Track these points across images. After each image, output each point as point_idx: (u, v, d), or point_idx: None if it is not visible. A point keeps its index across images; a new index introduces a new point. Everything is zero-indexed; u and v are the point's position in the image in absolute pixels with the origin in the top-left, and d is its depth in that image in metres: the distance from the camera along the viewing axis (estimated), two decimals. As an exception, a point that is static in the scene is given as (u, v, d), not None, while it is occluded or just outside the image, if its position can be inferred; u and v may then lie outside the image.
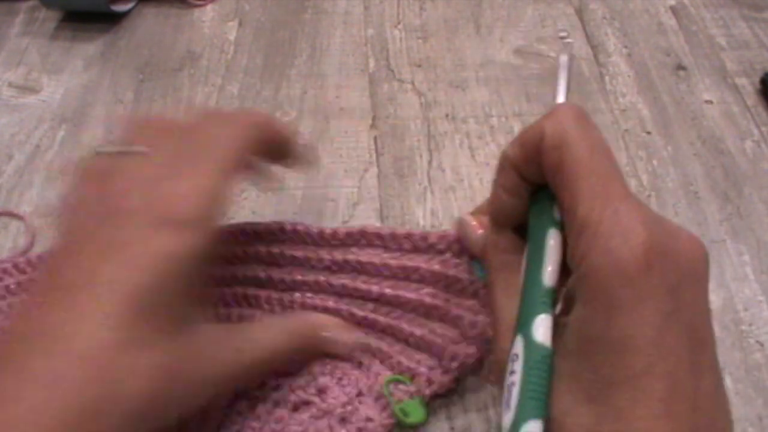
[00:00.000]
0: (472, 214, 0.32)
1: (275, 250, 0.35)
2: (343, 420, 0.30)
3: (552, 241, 0.25)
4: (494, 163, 0.46)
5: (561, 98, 0.30)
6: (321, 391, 0.31)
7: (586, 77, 0.53)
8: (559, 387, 0.22)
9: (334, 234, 0.35)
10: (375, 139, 0.48)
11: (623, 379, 0.21)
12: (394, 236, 0.34)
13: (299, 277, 0.35)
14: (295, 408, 0.31)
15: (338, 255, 0.35)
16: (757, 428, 0.35)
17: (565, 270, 0.25)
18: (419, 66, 0.53)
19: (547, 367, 0.23)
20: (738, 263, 0.41)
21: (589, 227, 0.23)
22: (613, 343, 0.21)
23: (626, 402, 0.21)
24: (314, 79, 0.52)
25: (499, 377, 0.24)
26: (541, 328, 0.23)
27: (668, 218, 0.25)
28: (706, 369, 0.22)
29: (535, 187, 0.27)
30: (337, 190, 0.44)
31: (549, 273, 0.24)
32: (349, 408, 0.31)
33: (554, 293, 0.24)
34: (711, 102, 0.51)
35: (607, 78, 0.53)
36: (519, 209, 0.27)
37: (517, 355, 0.23)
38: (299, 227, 0.35)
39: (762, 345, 0.38)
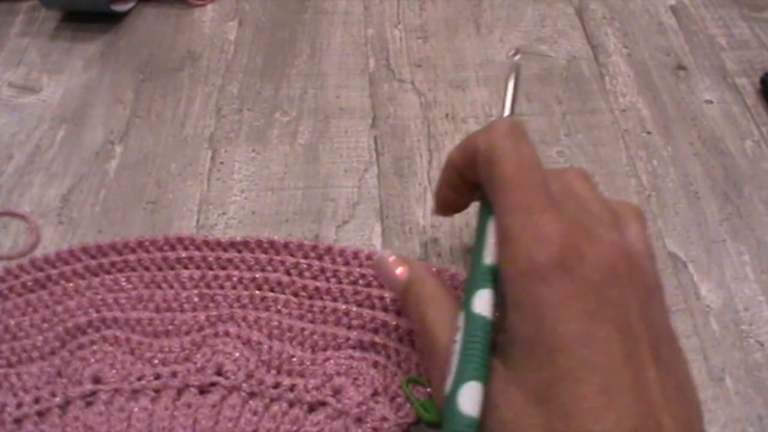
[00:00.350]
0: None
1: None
2: (359, 420, 0.30)
3: (492, 226, 0.27)
4: (494, 163, 0.47)
5: (507, 112, 0.32)
6: (336, 392, 0.32)
7: (586, 77, 0.53)
8: (508, 392, 0.23)
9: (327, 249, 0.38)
10: (375, 139, 0.48)
11: (561, 376, 0.22)
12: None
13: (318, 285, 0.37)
14: (311, 408, 0.31)
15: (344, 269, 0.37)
16: (757, 428, 0.35)
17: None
18: (419, 66, 0.53)
19: (485, 335, 0.24)
20: (738, 263, 0.41)
21: (511, 237, 0.25)
22: (545, 344, 0.23)
23: (569, 398, 0.22)
24: (314, 79, 0.52)
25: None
26: (479, 300, 0.25)
27: (597, 226, 0.26)
28: (647, 362, 0.23)
29: (474, 188, 0.30)
30: (337, 190, 0.45)
31: (488, 252, 0.26)
32: (364, 408, 0.31)
33: (494, 271, 0.26)
34: (711, 102, 0.51)
35: (607, 78, 0.53)
36: (459, 202, 0.32)
37: (458, 328, 0.25)
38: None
39: (762, 345, 0.38)
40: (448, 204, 0.32)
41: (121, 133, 0.48)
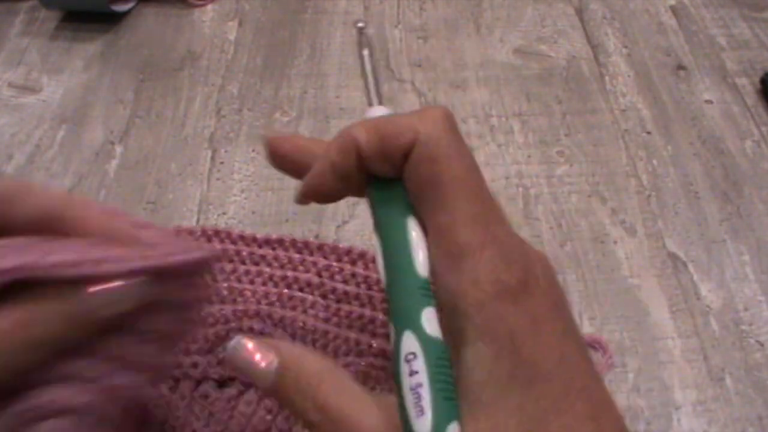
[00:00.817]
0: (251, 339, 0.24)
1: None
2: None
3: (414, 231, 0.23)
4: (494, 162, 0.47)
5: (375, 100, 0.28)
6: None
7: (586, 77, 0.53)
8: (480, 426, 0.20)
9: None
10: (375, 139, 0.48)
11: (546, 409, 0.20)
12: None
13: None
14: None
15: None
16: (757, 428, 0.35)
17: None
18: (419, 66, 0.53)
19: (449, 364, 0.21)
20: (738, 263, 0.41)
21: (471, 253, 0.21)
22: (525, 377, 0.20)
23: (559, 428, 0.20)
24: (314, 79, 0.52)
25: None
26: (432, 321, 0.21)
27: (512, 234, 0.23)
28: (594, 375, 0.22)
29: (365, 180, 0.25)
30: (337, 190, 0.45)
31: (421, 264, 0.22)
32: None
33: (428, 284, 0.22)
34: (711, 102, 0.51)
35: (607, 78, 0.53)
36: (340, 194, 0.25)
37: (414, 354, 0.21)
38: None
39: (762, 345, 0.38)
40: (326, 195, 0.25)
41: (121, 133, 0.48)
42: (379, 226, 0.24)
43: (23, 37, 0.56)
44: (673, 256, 0.42)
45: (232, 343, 0.23)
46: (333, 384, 0.22)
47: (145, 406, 0.30)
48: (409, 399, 0.20)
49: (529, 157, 0.47)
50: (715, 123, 0.50)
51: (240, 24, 0.57)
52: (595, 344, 0.38)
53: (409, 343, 0.21)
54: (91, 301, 0.20)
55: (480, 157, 0.47)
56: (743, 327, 0.38)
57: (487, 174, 0.46)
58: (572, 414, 0.20)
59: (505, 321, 0.20)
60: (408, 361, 0.21)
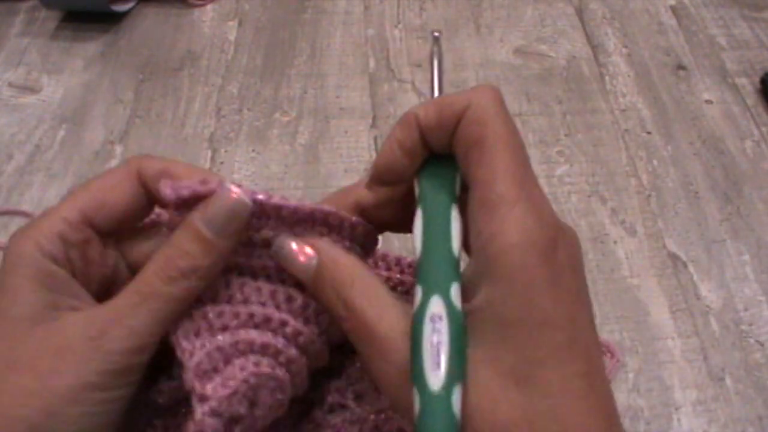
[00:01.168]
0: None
1: None
2: (376, 428, 0.30)
3: (455, 215, 0.25)
4: (494, 163, 0.47)
5: (436, 93, 0.30)
6: (358, 396, 0.31)
7: (586, 77, 0.53)
8: (482, 375, 0.22)
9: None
10: (375, 139, 0.48)
11: (546, 356, 0.21)
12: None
13: None
14: (331, 409, 0.31)
15: None
16: (757, 428, 0.35)
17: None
18: (419, 66, 0.53)
19: (464, 334, 0.22)
20: (738, 263, 0.41)
21: (505, 204, 0.23)
22: (534, 322, 0.21)
23: (554, 378, 0.21)
24: (314, 79, 0.52)
25: (396, 389, 0.23)
26: (457, 296, 0.23)
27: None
28: (599, 346, 0.23)
29: (427, 156, 0.26)
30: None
31: (456, 245, 0.24)
32: (382, 417, 0.30)
33: (459, 265, 0.24)
34: (711, 102, 0.51)
35: (607, 78, 0.53)
36: (407, 171, 0.26)
37: (440, 317, 0.22)
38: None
39: (762, 345, 0.38)
40: (395, 172, 0.26)
41: (121, 133, 0.48)
42: (424, 205, 0.26)
43: (23, 37, 0.56)
44: (673, 256, 0.42)
45: (277, 242, 0.26)
46: (362, 286, 0.24)
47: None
48: (427, 354, 0.21)
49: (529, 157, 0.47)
50: (715, 123, 0.50)
51: (240, 24, 0.57)
52: (604, 347, 0.38)
53: (437, 306, 0.22)
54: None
55: (480, 157, 0.47)
56: (743, 327, 0.38)
57: (487, 174, 0.47)
58: (569, 367, 0.21)
59: (525, 270, 0.22)
60: (433, 321, 0.22)
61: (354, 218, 0.28)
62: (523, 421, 0.21)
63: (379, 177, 0.27)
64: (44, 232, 0.25)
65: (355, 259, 0.26)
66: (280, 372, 0.27)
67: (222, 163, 0.46)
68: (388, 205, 0.28)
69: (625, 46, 0.55)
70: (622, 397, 0.36)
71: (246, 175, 0.45)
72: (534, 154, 0.47)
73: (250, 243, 0.27)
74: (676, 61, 0.54)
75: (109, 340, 0.23)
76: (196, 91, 0.51)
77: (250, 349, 0.27)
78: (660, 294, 0.40)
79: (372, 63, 0.54)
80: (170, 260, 0.24)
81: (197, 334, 0.25)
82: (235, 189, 0.25)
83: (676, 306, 0.39)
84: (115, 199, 0.26)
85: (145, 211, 0.27)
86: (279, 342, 0.27)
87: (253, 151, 0.47)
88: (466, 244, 0.24)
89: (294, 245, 0.26)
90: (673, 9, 0.59)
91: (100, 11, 0.56)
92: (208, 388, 0.25)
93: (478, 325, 0.22)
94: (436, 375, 0.21)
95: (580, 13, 0.58)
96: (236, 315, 0.26)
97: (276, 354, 0.27)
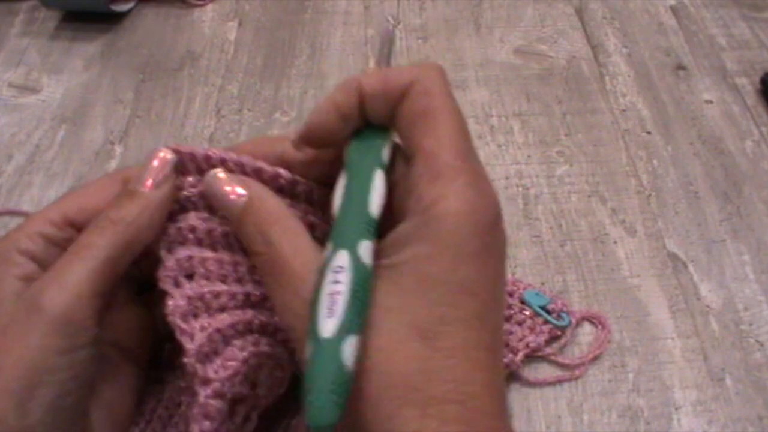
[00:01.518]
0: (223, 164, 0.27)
1: None
2: None
3: (378, 179, 0.25)
4: (494, 162, 0.47)
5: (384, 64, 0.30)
6: None
7: (586, 77, 0.53)
8: (388, 321, 0.22)
9: None
10: (375, 139, 0.48)
11: (459, 319, 0.22)
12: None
13: None
14: None
15: None
16: (757, 428, 0.35)
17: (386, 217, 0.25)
18: (419, 66, 0.53)
19: (368, 291, 0.23)
20: (738, 263, 0.41)
21: (450, 173, 0.23)
22: (455, 285, 0.22)
23: (460, 342, 0.22)
24: (314, 79, 0.52)
25: (299, 322, 0.23)
26: (367, 253, 0.23)
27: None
28: (502, 332, 0.25)
29: (358, 124, 0.27)
30: (337, 190, 0.45)
31: (376, 205, 0.24)
32: None
33: (377, 226, 0.24)
34: (711, 102, 0.51)
35: (607, 78, 0.53)
36: (337, 135, 0.26)
37: (342, 267, 0.22)
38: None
39: (762, 345, 0.38)
40: (326, 135, 0.26)
41: (121, 133, 0.48)
42: (348, 168, 0.26)
43: (23, 37, 0.56)
44: (673, 256, 0.42)
45: (210, 173, 0.26)
46: (284, 225, 0.25)
47: None
48: (324, 301, 0.22)
49: (529, 157, 0.47)
50: (715, 123, 0.50)
51: (240, 24, 0.57)
52: (595, 319, 0.38)
53: (341, 258, 0.23)
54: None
55: (480, 157, 0.47)
56: (743, 327, 0.38)
57: (487, 174, 0.47)
58: (477, 336, 0.22)
59: (460, 236, 0.22)
60: (335, 272, 0.22)
61: (292, 176, 0.28)
62: (419, 373, 0.21)
63: (308, 137, 0.27)
64: (26, 232, 0.26)
65: (283, 203, 0.26)
66: (279, 350, 0.27)
67: (222, 163, 0.46)
68: (312, 166, 0.28)
69: (625, 46, 0.55)
70: (622, 397, 0.36)
71: (246, 175, 0.45)
72: (534, 154, 0.47)
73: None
74: (676, 61, 0.54)
75: (47, 299, 0.24)
76: (196, 91, 0.51)
77: (249, 329, 0.27)
78: (660, 294, 0.40)
79: (372, 63, 0.54)
80: (102, 214, 0.26)
81: (195, 316, 0.26)
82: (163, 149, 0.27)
83: (676, 306, 0.39)
84: (96, 201, 0.27)
85: None
86: (276, 320, 0.27)
87: (253, 151, 0.47)
88: (399, 211, 0.25)
89: (227, 185, 0.26)
90: (673, 9, 0.59)
91: (100, 11, 0.56)
92: (210, 371, 0.25)
93: (398, 276, 0.23)
94: (328, 322, 0.21)
95: (580, 13, 0.58)
96: (233, 296, 0.27)
97: (274, 332, 0.27)
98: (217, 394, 0.25)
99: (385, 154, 0.26)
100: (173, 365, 0.31)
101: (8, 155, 0.47)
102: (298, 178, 0.28)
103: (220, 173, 0.26)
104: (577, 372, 0.36)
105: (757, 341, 0.38)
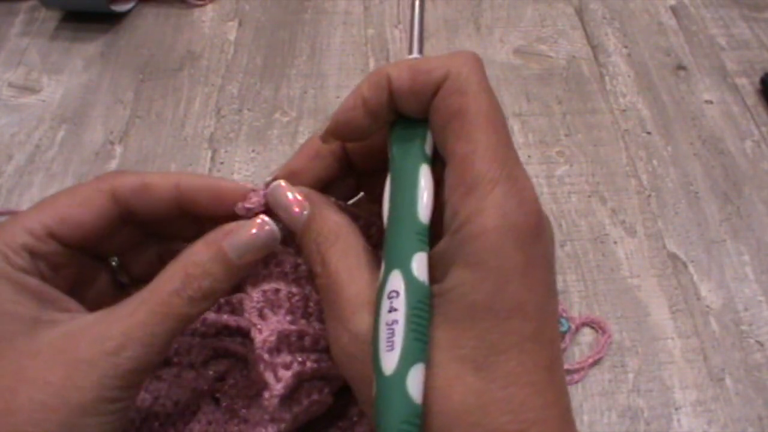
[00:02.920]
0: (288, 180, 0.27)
1: None
2: None
3: (424, 178, 0.23)
4: (494, 163, 0.47)
5: (416, 50, 0.28)
6: None
7: (586, 77, 0.53)
8: (440, 357, 0.21)
9: None
10: (375, 139, 0.48)
11: (511, 345, 0.20)
12: None
13: None
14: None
15: None
16: (757, 428, 0.35)
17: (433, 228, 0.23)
18: (419, 66, 0.53)
19: (428, 308, 0.21)
20: (738, 263, 0.41)
21: (485, 184, 0.21)
22: (503, 310, 0.21)
23: (515, 368, 0.20)
24: (314, 79, 0.52)
25: (347, 360, 0.22)
26: (422, 267, 0.21)
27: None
28: (559, 339, 0.23)
29: (396, 117, 0.25)
30: (337, 190, 0.45)
31: (424, 210, 0.22)
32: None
33: (428, 231, 0.22)
34: (711, 102, 0.51)
35: (607, 78, 0.53)
36: (366, 131, 0.25)
37: (396, 292, 0.21)
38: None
39: (762, 345, 0.38)
40: (353, 130, 0.25)
41: (121, 133, 0.48)
42: (393, 169, 0.24)
43: (23, 37, 0.56)
44: (673, 256, 0.42)
45: (273, 183, 0.26)
46: (344, 246, 0.24)
47: None
48: (383, 333, 0.21)
49: (529, 157, 0.47)
50: (715, 123, 0.50)
51: (240, 24, 0.57)
52: (595, 324, 0.38)
53: (395, 281, 0.21)
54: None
55: (480, 157, 0.47)
56: (743, 327, 0.38)
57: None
58: (533, 359, 0.21)
59: (501, 256, 0.21)
60: (390, 298, 0.21)
61: (345, 204, 0.27)
62: (477, 408, 0.20)
63: (335, 131, 0.26)
64: (9, 245, 0.24)
65: (346, 219, 0.25)
66: (330, 399, 0.27)
67: (222, 163, 0.46)
68: (357, 154, 0.27)
69: (625, 46, 0.55)
70: (622, 397, 0.36)
71: (246, 176, 0.45)
72: (534, 154, 0.47)
73: None
74: (676, 61, 0.54)
75: (129, 358, 0.23)
76: (196, 91, 0.51)
77: (322, 377, 0.27)
78: (660, 294, 0.40)
79: (372, 63, 0.54)
80: (193, 280, 0.24)
81: (279, 352, 0.26)
82: (267, 220, 0.25)
83: (676, 306, 0.39)
84: (80, 214, 0.25)
85: (115, 227, 0.26)
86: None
87: (253, 151, 0.47)
88: (438, 222, 0.23)
89: (290, 194, 0.25)
90: (673, 9, 0.59)
91: (100, 11, 0.56)
92: (283, 410, 0.25)
93: (444, 306, 0.21)
94: (389, 357, 0.20)
95: (580, 13, 0.58)
96: (317, 340, 0.27)
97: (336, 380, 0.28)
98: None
99: (429, 144, 0.24)
100: (170, 362, 0.31)
101: (8, 155, 0.47)
102: (345, 204, 0.27)
103: (282, 182, 0.26)
104: (576, 377, 0.36)
105: (757, 341, 0.38)
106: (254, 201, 0.25)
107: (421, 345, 0.20)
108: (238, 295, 0.29)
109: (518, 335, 0.21)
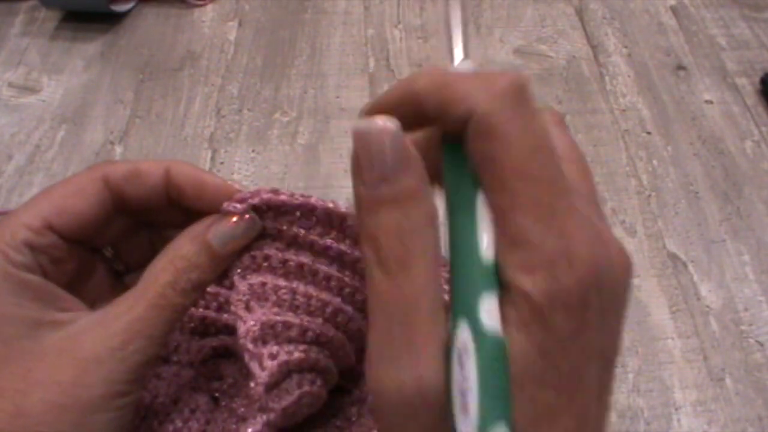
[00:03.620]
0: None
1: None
2: None
3: (483, 209, 0.20)
4: (494, 163, 0.47)
5: (459, 54, 0.23)
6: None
7: (586, 77, 0.53)
8: None
9: None
10: (375, 139, 0.48)
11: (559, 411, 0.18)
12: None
13: None
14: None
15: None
16: (757, 428, 0.35)
17: None
18: (419, 66, 0.53)
19: (504, 359, 0.19)
20: (738, 263, 0.41)
21: (528, 243, 0.18)
22: (560, 379, 0.18)
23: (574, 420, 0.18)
24: (314, 79, 0.52)
25: (401, 407, 0.19)
26: (492, 312, 0.19)
27: (603, 220, 0.21)
28: (605, 393, 0.20)
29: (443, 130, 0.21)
30: (338, 190, 0.44)
31: (486, 245, 0.19)
32: None
33: (494, 269, 0.19)
34: (711, 102, 0.51)
35: (607, 78, 0.53)
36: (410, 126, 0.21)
37: (465, 349, 0.18)
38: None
39: (762, 345, 0.38)
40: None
41: (121, 133, 0.48)
42: (447, 199, 0.21)
43: (23, 37, 0.56)
44: (673, 256, 0.42)
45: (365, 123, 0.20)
46: (432, 247, 0.20)
47: None
48: (456, 397, 0.19)
49: (529, 157, 0.47)
50: (715, 123, 0.50)
51: (240, 24, 0.57)
52: None
53: (464, 336, 0.19)
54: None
55: (480, 157, 0.47)
56: (743, 327, 0.38)
57: (487, 174, 0.46)
58: (562, 425, 0.18)
59: (542, 320, 0.18)
60: (460, 357, 0.19)
61: None
62: None
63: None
64: (9, 243, 0.24)
65: (431, 209, 0.20)
66: (324, 391, 0.28)
67: (222, 163, 0.46)
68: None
69: (625, 46, 0.55)
70: (622, 397, 0.36)
71: (246, 176, 0.45)
72: (534, 154, 0.47)
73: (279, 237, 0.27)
74: (676, 61, 0.54)
75: (134, 352, 0.23)
76: (196, 91, 0.51)
77: (312, 368, 0.27)
78: (660, 294, 0.40)
79: (372, 63, 0.54)
80: (182, 273, 0.25)
81: (265, 342, 0.26)
82: (243, 209, 0.25)
83: (676, 306, 0.39)
84: (77, 204, 0.25)
85: (110, 216, 0.27)
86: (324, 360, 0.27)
87: (253, 151, 0.47)
88: None
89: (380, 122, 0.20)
90: (673, 9, 0.59)
91: (100, 11, 0.56)
92: (270, 400, 0.25)
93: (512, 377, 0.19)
94: (464, 423, 0.18)
95: (580, 13, 0.58)
96: (303, 331, 0.27)
97: (329, 374, 0.28)
98: (271, 424, 0.25)
99: None
100: (169, 360, 0.31)
101: (8, 155, 0.47)
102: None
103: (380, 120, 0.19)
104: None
105: (757, 341, 0.38)
106: (239, 209, 0.26)
107: (499, 403, 0.18)
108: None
109: (548, 404, 0.18)
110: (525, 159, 0.19)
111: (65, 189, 0.26)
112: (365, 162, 0.20)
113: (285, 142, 0.48)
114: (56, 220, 0.25)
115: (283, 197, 0.26)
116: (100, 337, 0.23)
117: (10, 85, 0.52)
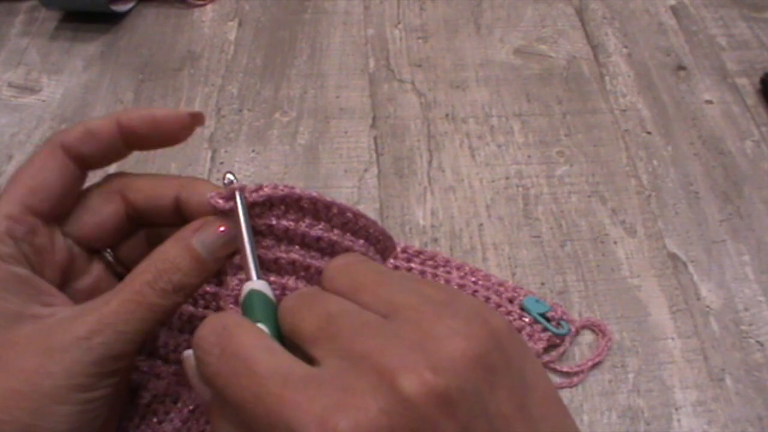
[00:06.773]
0: None
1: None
2: None
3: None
4: (494, 162, 0.47)
5: (253, 274, 0.24)
6: None
7: (586, 77, 0.53)
8: None
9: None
10: (375, 139, 0.48)
11: None
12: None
13: None
14: None
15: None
16: (757, 428, 0.35)
17: None
18: (419, 66, 0.53)
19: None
20: (738, 263, 0.41)
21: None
22: None
23: None
24: (314, 79, 0.52)
25: None
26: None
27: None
28: None
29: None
30: (337, 191, 0.44)
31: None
32: None
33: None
34: (711, 102, 0.51)
35: (607, 78, 0.53)
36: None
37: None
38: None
39: (762, 345, 0.38)
40: None
41: (121, 133, 0.48)
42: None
43: (23, 37, 0.56)
44: (673, 256, 0.42)
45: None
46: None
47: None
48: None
49: (529, 157, 0.47)
50: (715, 123, 0.50)
51: (240, 24, 0.57)
52: (595, 327, 0.38)
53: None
54: None
55: (480, 157, 0.47)
56: (743, 327, 0.38)
57: (487, 174, 0.47)
58: None
59: None
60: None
61: (374, 221, 0.27)
62: None
63: None
64: None
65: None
66: None
67: (222, 163, 0.46)
68: None
69: (625, 46, 0.55)
70: (622, 397, 0.36)
71: (246, 176, 0.45)
72: (534, 154, 0.47)
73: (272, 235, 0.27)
74: (676, 61, 0.54)
75: (100, 344, 0.23)
76: (196, 91, 0.51)
77: None
78: (660, 294, 0.40)
79: (372, 63, 0.54)
80: (164, 274, 0.25)
81: None
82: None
83: (676, 306, 0.39)
84: (46, 179, 0.26)
85: (79, 181, 0.27)
86: None
87: (253, 151, 0.47)
88: None
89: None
90: (673, 9, 0.59)
91: (100, 11, 0.56)
92: None
93: None
94: None
95: (580, 13, 0.58)
96: None
97: None
98: None
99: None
100: (168, 360, 0.31)
101: (8, 155, 0.47)
102: (359, 211, 0.27)
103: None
104: (575, 380, 0.36)
105: (757, 341, 0.38)
106: (222, 205, 0.26)
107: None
108: None
109: None
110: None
111: (31, 169, 0.26)
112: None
113: (285, 142, 0.48)
114: (32, 200, 0.25)
115: (266, 190, 0.26)
116: (69, 326, 0.23)
117: (10, 85, 0.52)
